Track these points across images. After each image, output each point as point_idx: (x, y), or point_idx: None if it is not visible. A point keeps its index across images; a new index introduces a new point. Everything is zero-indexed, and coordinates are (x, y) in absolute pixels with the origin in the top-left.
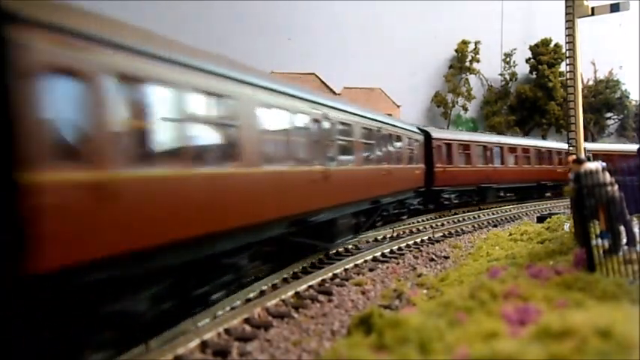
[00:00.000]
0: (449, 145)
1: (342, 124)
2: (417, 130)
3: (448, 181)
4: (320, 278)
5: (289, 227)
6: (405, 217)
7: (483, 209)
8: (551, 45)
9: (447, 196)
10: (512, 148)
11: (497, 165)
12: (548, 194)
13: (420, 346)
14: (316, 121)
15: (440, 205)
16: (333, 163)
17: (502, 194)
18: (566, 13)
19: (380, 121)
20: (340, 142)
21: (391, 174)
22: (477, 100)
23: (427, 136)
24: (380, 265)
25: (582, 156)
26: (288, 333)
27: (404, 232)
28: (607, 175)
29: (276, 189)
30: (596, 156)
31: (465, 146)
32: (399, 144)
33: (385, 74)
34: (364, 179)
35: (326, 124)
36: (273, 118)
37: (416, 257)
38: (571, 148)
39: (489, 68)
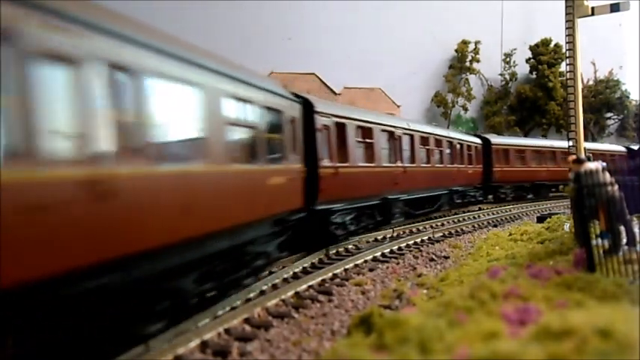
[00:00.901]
0: (341, 128)
1: None
2: (288, 95)
3: (340, 194)
4: (320, 278)
5: None
6: (248, 280)
7: (483, 209)
8: (551, 45)
9: (339, 220)
10: (425, 138)
11: (408, 164)
12: (459, 201)
13: (420, 346)
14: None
15: (329, 238)
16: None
17: (409, 209)
18: (566, 13)
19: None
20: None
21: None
22: (477, 100)
23: (307, 107)
24: (380, 265)
25: (582, 156)
26: (288, 333)
27: (404, 232)
28: (607, 175)
29: None
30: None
31: (366, 131)
32: (226, 116)
33: (385, 74)
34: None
35: None
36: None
37: (416, 257)
38: (571, 147)
39: (489, 68)
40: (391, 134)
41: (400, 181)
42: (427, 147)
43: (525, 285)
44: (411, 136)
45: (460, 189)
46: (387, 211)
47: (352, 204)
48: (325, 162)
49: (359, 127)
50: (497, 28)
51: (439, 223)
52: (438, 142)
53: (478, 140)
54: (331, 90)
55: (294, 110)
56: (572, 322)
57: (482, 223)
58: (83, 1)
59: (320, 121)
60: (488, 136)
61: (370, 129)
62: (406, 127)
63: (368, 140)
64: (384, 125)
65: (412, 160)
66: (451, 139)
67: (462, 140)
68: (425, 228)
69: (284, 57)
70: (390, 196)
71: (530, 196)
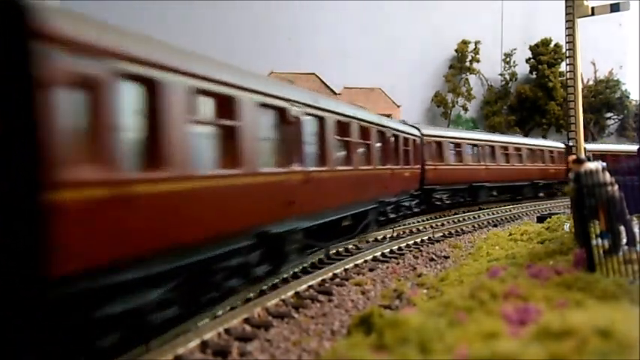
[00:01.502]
0: (151, 89)
1: None
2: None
3: (146, 241)
4: (320, 278)
5: None
6: None
7: (483, 209)
8: (551, 45)
9: (115, 310)
10: (344, 125)
11: (314, 166)
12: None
13: (420, 346)
14: None
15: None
16: None
17: (314, 241)
18: (566, 13)
19: None
20: None
21: None
22: (476, 100)
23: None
24: (380, 265)
25: (582, 156)
26: (288, 333)
27: (404, 232)
28: (607, 174)
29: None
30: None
31: (223, 103)
32: None
33: (385, 74)
34: None
35: None
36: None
37: (416, 257)
38: (572, 147)
39: (489, 68)
40: (281, 114)
41: (299, 198)
42: (348, 138)
43: (525, 285)
44: (321, 120)
45: (394, 199)
46: (277, 255)
47: (181, 258)
48: (82, 172)
49: (202, 91)
50: (497, 28)
51: (439, 223)
52: (365, 132)
53: (416, 131)
54: (331, 90)
55: None
56: (572, 322)
57: (482, 223)
58: None
59: (63, 64)
60: (417, 125)
61: (232, 100)
62: (312, 103)
63: (227, 122)
64: (266, 95)
65: (322, 159)
66: (383, 129)
67: (398, 131)
68: (425, 228)
69: (284, 57)
70: (277, 230)
71: (468, 199)
